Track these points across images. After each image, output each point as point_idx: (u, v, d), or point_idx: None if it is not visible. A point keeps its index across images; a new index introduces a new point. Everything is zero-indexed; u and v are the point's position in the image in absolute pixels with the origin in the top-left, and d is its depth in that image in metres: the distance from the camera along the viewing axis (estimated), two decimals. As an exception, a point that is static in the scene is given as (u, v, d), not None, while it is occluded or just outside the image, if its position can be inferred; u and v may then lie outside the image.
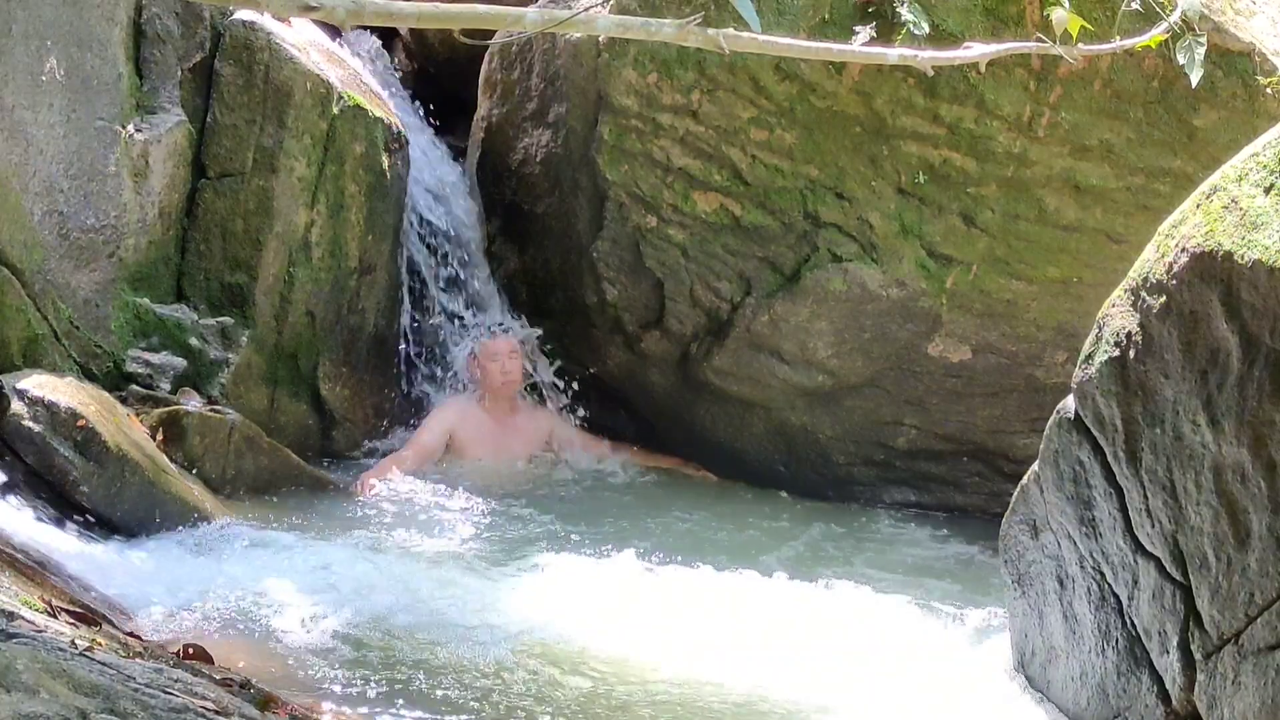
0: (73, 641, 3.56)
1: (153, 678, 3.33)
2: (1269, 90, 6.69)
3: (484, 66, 7.77)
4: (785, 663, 5.21)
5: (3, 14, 5.85)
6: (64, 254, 6.19)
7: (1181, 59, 4.96)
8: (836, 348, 7.22)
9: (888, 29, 6.51)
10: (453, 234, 7.66)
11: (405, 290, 7.48)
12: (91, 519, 5.61)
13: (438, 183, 7.70)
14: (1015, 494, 4.91)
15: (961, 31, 6.59)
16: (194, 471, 6.15)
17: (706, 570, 6.10)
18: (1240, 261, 3.78)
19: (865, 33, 5.68)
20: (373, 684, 4.76)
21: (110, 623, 4.59)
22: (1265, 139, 3.98)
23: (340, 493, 6.72)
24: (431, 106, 8.04)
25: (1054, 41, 4.24)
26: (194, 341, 6.59)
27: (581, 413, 7.65)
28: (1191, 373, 3.95)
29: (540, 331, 7.59)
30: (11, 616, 3.61)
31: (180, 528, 5.80)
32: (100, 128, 6.31)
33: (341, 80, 7.05)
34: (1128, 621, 4.35)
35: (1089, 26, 4.47)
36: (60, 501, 5.57)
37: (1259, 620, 3.86)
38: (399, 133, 7.23)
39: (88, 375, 6.19)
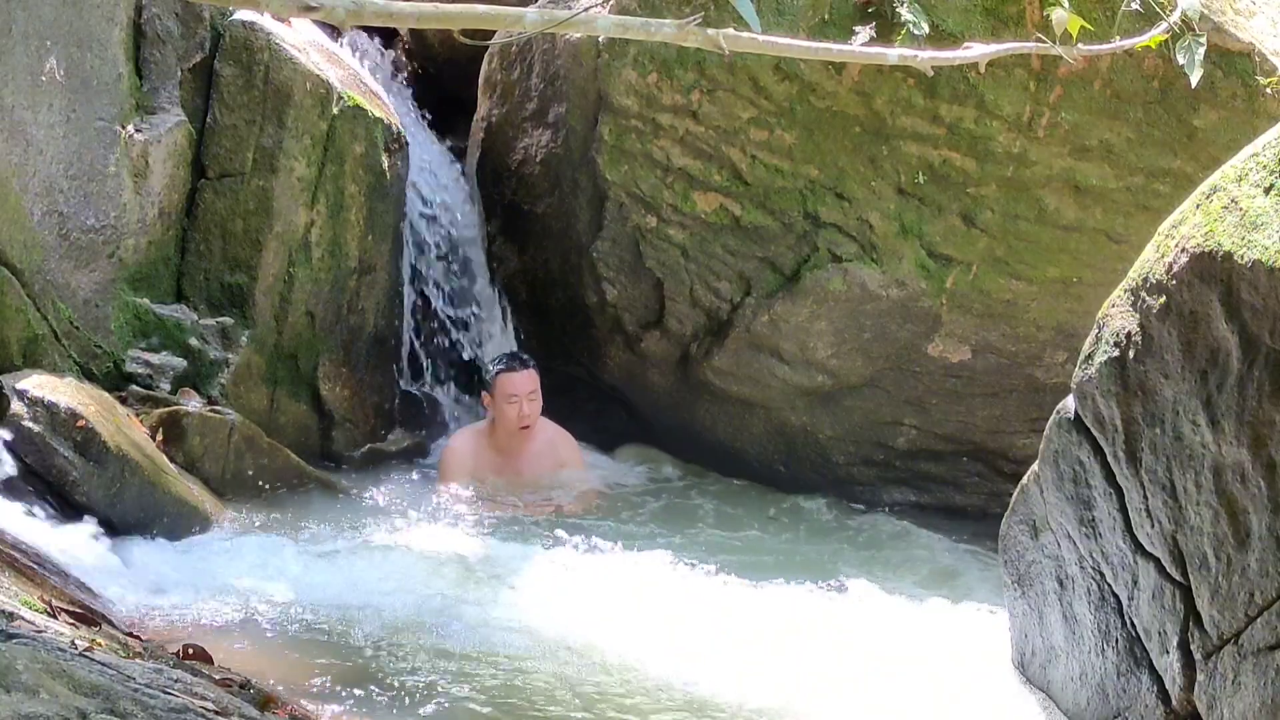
0: (73, 641, 3.56)
1: (153, 678, 3.33)
2: (1269, 90, 6.69)
3: (484, 67, 7.77)
4: (785, 662, 5.21)
5: (3, 14, 5.84)
6: (64, 254, 6.19)
7: (1181, 59, 4.96)
8: (836, 348, 7.22)
9: (888, 29, 6.51)
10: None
11: (407, 290, 7.47)
12: (91, 519, 5.60)
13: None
14: (1015, 494, 4.91)
15: (961, 31, 6.59)
16: (194, 471, 6.14)
17: (706, 571, 6.09)
18: (1240, 261, 3.77)
19: (865, 33, 5.69)
20: (374, 684, 4.76)
21: (110, 623, 4.58)
22: (1265, 139, 3.98)
23: (340, 493, 6.72)
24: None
25: (1054, 41, 4.24)
26: (194, 341, 6.59)
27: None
28: (1191, 373, 3.95)
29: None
30: (11, 616, 3.61)
31: (180, 528, 5.80)
32: (100, 128, 6.30)
33: (341, 80, 7.04)
34: (1128, 621, 4.35)
35: (1089, 26, 4.47)
36: (60, 501, 5.56)
37: (1259, 620, 3.86)
38: (399, 133, 7.23)
39: (88, 375, 6.18)
